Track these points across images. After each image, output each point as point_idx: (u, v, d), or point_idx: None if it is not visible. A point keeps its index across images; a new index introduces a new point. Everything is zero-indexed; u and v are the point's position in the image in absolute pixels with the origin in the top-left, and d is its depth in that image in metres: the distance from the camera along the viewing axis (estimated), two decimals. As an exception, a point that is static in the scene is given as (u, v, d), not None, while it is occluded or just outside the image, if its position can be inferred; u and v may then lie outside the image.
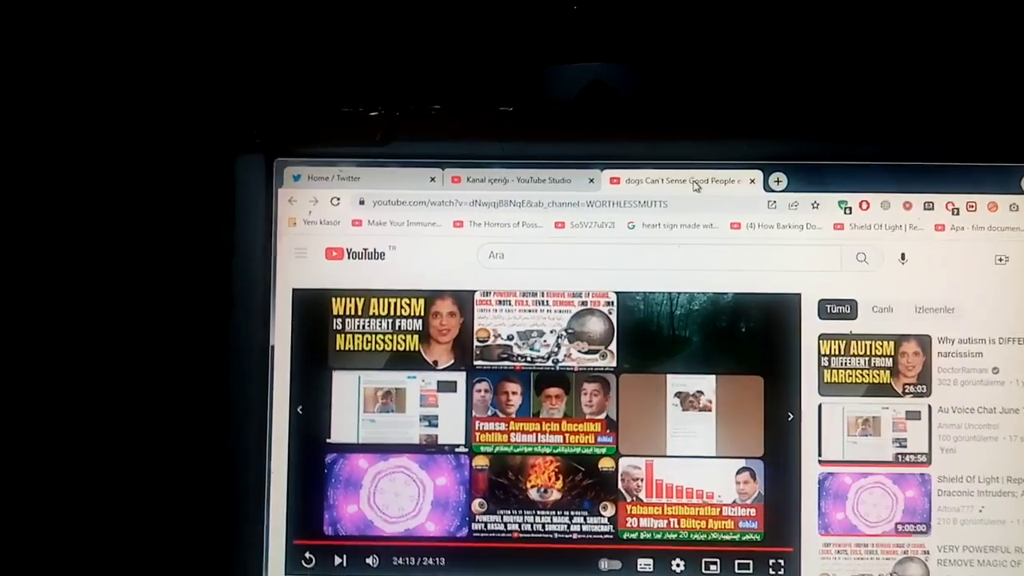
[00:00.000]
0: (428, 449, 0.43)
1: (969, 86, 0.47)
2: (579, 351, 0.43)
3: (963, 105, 0.45)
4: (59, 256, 0.47)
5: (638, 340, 0.43)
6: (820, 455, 0.42)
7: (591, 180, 0.44)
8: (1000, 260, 0.43)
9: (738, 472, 0.42)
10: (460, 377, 0.43)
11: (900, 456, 0.42)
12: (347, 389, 0.43)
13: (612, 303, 0.43)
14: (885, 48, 0.49)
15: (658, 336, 0.43)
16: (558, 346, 0.43)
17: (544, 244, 0.43)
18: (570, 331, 0.43)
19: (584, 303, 0.43)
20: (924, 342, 0.43)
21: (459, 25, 0.53)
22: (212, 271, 0.44)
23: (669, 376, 0.43)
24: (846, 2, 0.49)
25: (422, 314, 0.43)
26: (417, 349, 0.43)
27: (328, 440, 0.43)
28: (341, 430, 0.43)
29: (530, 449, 0.43)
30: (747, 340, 0.43)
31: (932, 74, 0.48)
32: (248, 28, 0.48)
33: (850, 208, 0.43)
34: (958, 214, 0.43)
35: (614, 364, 0.43)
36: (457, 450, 0.43)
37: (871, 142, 0.44)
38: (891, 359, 0.43)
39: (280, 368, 0.43)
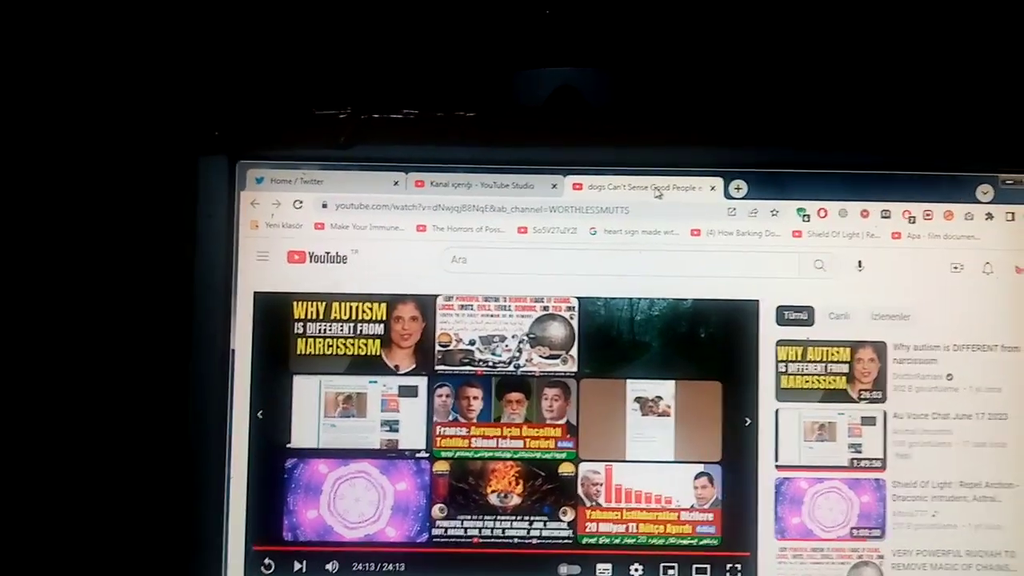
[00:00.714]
0: (389, 454, 0.43)
1: (926, 98, 0.48)
2: (540, 356, 0.43)
3: (920, 115, 0.46)
4: (19, 255, 0.47)
5: (599, 345, 0.43)
6: (777, 460, 0.43)
7: (554, 186, 0.44)
8: (955, 268, 0.44)
9: (696, 477, 0.43)
10: (421, 382, 0.43)
11: (855, 461, 0.43)
12: (308, 393, 0.43)
13: (573, 308, 0.43)
14: (844, 60, 0.49)
15: (618, 341, 0.43)
16: (520, 351, 0.43)
17: (507, 249, 0.44)
18: (532, 336, 0.43)
19: (546, 308, 0.43)
20: (880, 348, 0.43)
21: (429, 28, 0.53)
22: (174, 273, 0.44)
23: (629, 381, 0.43)
24: (806, 14, 0.50)
25: (384, 318, 0.43)
26: (379, 354, 0.43)
27: (288, 445, 0.43)
28: (301, 435, 0.43)
29: (491, 454, 0.43)
30: (706, 346, 0.43)
31: (889, 85, 0.49)
32: (213, 30, 0.48)
33: (808, 216, 0.44)
34: (914, 222, 0.44)
35: (575, 369, 0.43)
36: (418, 455, 0.43)
37: (830, 151, 0.44)
38: (847, 365, 0.43)
39: (241, 372, 0.43)
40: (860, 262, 0.44)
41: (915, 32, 0.49)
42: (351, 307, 0.43)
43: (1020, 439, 0.43)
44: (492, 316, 0.43)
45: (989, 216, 0.44)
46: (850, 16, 0.49)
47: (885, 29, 0.49)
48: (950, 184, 0.44)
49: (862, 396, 0.43)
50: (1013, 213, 0.44)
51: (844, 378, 0.43)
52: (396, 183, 0.44)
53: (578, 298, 0.43)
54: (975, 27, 0.49)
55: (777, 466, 0.43)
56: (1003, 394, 0.43)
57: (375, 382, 0.43)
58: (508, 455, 0.43)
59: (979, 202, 0.44)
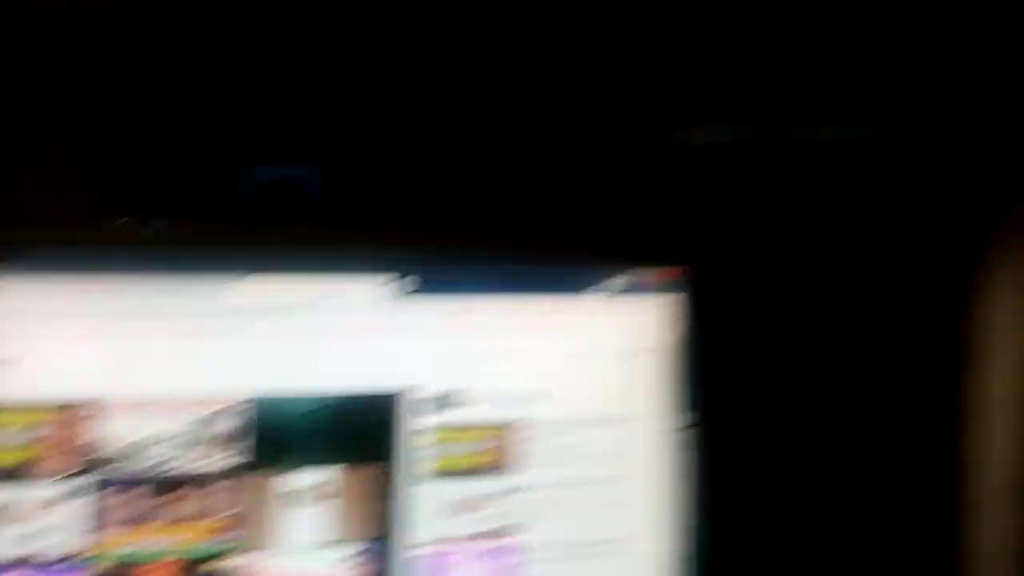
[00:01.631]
0: (46, 561, 0.43)
1: (555, 207, 0.57)
2: (204, 454, 0.46)
3: (549, 221, 0.54)
4: None
5: (262, 440, 0.46)
6: (423, 534, 0.48)
7: (222, 287, 0.47)
8: (579, 353, 0.51)
9: (352, 556, 0.47)
10: (81, 486, 0.44)
11: (492, 531, 0.49)
12: (-41, 505, 0.43)
13: (238, 406, 0.47)
14: (493, 171, 0.57)
15: (281, 435, 0.47)
16: (184, 449, 0.46)
17: (173, 350, 0.46)
18: (196, 434, 0.46)
19: (211, 407, 0.46)
20: (513, 427, 0.50)
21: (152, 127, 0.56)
22: None
23: (288, 473, 0.47)
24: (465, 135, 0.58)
25: (47, 423, 0.44)
26: (37, 460, 0.44)
27: (-63, 559, 0.42)
28: (-48, 548, 0.43)
29: (152, 553, 0.45)
30: (359, 434, 0.48)
31: (512, 195, 0.57)
32: None
33: (454, 311, 0.50)
34: (544, 313, 0.51)
35: (237, 464, 0.46)
36: (76, 560, 0.44)
37: (473, 251, 0.51)
38: (487, 444, 0.49)
39: None
40: (487, 350, 0.50)
41: (554, 154, 0.58)
42: (12, 413, 0.44)
43: (635, 498, 0.51)
44: (157, 417, 0.46)
45: (608, 307, 0.52)
46: (511, 139, 0.58)
47: (536, 155, 0.58)
48: (576, 279, 0.52)
49: (497, 471, 0.49)
50: (628, 304, 0.52)
51: (481, 456, 0.49)
52: (67, 289, 0.45)
53: (244, 396, 0.47)
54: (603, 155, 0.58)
55: (422, 541, 0.48)
56: (620, 460, 0.51)
57: (32, 489, 0.44)
58: (171, 553, 0.45)
59: (601, 295, 0.52)
